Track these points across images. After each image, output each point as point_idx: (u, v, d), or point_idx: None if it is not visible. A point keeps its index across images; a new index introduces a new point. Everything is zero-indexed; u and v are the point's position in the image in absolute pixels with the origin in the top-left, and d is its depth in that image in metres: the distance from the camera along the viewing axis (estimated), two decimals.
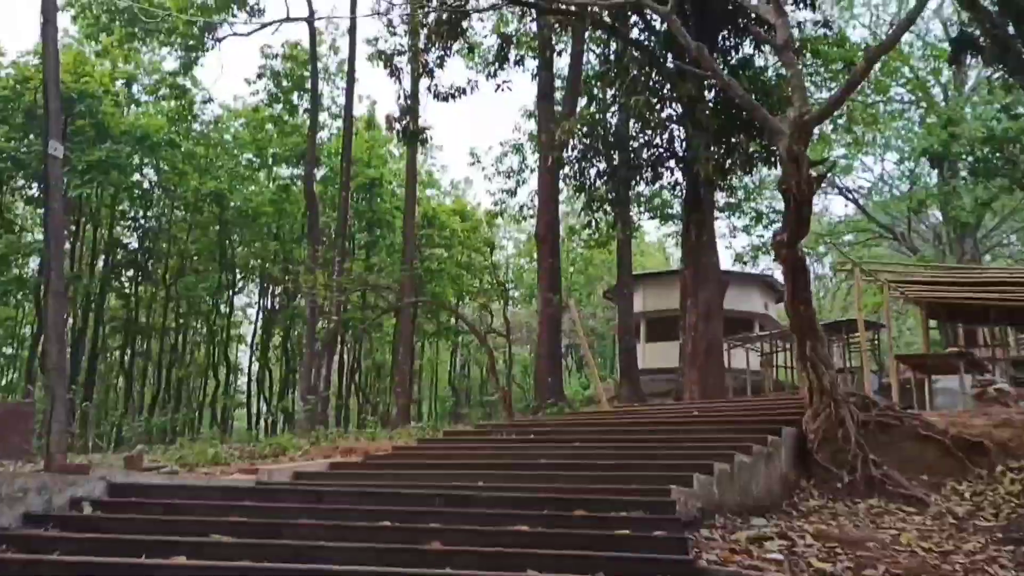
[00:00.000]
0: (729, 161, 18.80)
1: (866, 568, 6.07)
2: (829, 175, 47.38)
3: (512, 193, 34.32)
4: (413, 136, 21.57)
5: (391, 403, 31.55)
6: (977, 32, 15.11)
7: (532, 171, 33.34)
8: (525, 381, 38.47)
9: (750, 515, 8.07)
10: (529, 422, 12.40)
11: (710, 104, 18.09)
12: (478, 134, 79.65)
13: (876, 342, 29.65)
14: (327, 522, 5.33)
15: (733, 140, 18.59)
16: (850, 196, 49.53)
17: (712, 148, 17.76)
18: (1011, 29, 23.83)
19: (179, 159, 33.60)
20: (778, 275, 48.78)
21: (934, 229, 47.02)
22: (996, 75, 31.90)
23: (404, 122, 20.90)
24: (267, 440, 18.07)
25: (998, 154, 23.91)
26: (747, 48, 18.92)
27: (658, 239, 59.71)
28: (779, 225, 36.90)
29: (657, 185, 23.51)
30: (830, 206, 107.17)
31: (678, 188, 29.33)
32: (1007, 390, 11.20)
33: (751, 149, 19.22)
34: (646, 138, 19.12)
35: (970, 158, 23.88)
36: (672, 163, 19.67)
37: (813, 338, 9.54)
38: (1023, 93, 25.69)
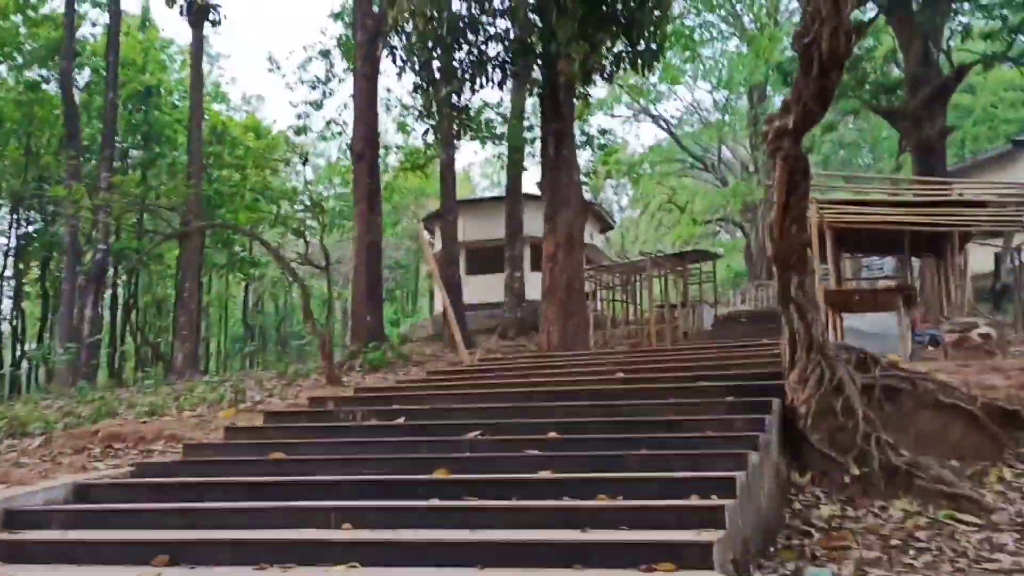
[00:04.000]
0: (591, 62, 15.88)
1: None
2: (643, 102, 46.37)
3: (318, 106, 29.80)
4: (200, 13, 16.94)
5: (175, 345, 26.84)
6: None
7: (341, 81, 29.04)
8: (322, 317, 34.31)
9: (770, 546, 5.25)
10: (385, 391, 8.96)
11: None
12: (275, 44, 73.02)
13: (713, 274, 28.33)
14: None
15: (598, 37, 15.69)
16: (663, 125, 48.84)
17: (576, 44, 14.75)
18: None
19: None
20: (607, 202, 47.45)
21: (742, 160, 47.05)
22: None
23: None
24: (5, 408, 13.66)
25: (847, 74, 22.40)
26: None
27: (462, 167, 56.54)
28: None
29: (476, 98, 20.21)
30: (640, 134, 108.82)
31: (502, 104, 26.31)
32: (992, 335, 9.03)
33: (616, 49, 16.50)
34: (496, 29, 15.73)
35: None
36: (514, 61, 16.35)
37: (802, 271, 6.73)
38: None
